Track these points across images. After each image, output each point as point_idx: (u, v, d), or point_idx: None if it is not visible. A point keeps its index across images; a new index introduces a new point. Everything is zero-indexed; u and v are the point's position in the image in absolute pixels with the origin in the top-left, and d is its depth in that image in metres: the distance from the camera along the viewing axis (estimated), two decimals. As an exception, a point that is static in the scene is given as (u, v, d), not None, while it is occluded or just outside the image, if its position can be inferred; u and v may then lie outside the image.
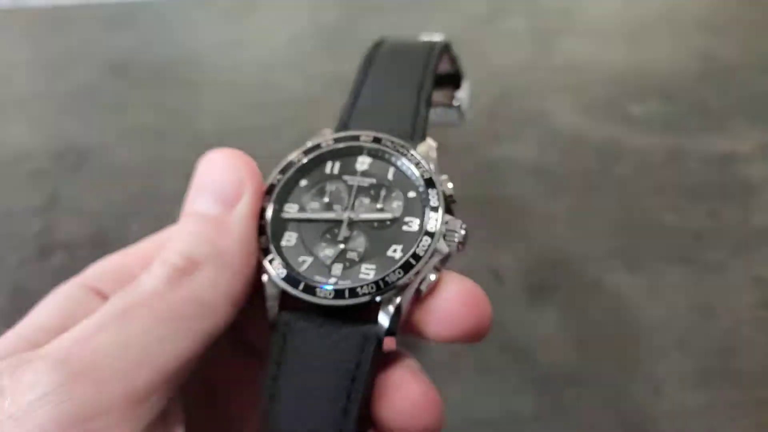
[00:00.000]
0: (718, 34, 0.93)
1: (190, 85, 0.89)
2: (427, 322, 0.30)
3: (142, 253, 0.33)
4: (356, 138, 0.33)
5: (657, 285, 0.60)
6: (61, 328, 0.26)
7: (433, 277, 0.29)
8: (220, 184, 0.30)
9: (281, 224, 0.32)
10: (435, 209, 0.31)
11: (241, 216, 0.30)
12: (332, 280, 0.30)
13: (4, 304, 0.64)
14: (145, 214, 0.72)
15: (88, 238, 0.70)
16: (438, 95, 0.48)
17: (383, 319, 0.29)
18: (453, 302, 0.30)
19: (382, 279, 0.29)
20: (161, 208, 0.61)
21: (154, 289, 0.26)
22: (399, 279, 0.29)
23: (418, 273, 0.29)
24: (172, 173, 0.75)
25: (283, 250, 0.31)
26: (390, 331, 0.29)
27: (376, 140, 0.33)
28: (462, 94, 0.50)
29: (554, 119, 0.80)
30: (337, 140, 0.33)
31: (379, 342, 0.29)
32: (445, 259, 0.30)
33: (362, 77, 0.37)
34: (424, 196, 0.31)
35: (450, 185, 0.32)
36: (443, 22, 0.93)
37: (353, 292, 0.29)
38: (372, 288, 0.29)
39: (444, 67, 0.45)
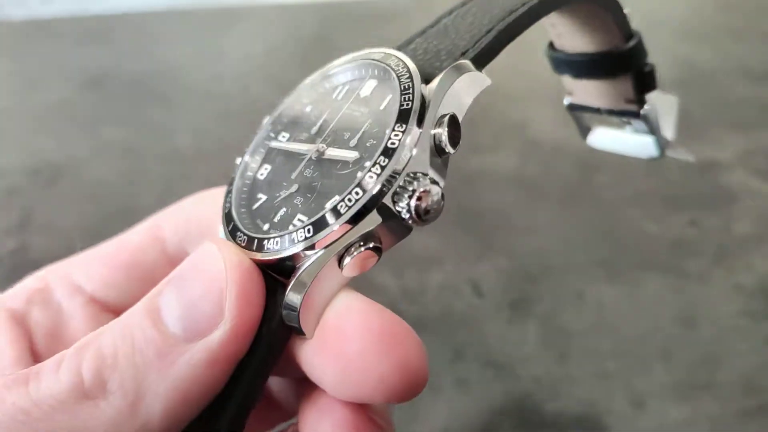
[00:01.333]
0: (696, 42, 0.94)
1: (167, 99, 0.88)
2: (323, 364, 0.22)
3: (63, 270, 0.30)
4: (368, 57, 0.27)
5: (638, 295, 0.59)
6: None
7: (364, 247, 0.22)
8: (196, 300, 0.22)
9: (268, 153, 0.29)
10: (388, 153, 0.23)
11: (198, 358, 0.21)
12: (266, 226, 0.25)
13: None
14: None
15: (63, 257, 0.68)
16: (606, 90, 0.34)
17: (290, 288, 0.23)
18: (361, 337, 0.21)
19: (289, 234, 0.23)
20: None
21: (50, 399, 0.21)
22: (307, 238, 0.23)
23: (328, 236, 0.22)
24: (148, 189, 0.74)
25: (256, 183, 0.28)
26: (289, 306, 0.22)
27: (383, 57, 0.27)
28: (655, 97, 0.32)
29: (534, 129, 0.80)
30: (349, 60, 0.28)
31: (280, 317, 0.23)
32: (392, 229, 0.23)
33: (458, 7, 0.30)
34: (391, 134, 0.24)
35: (445, 129, 0.23)
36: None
37: (260, 245, 0.24)
38: (276, 244, 0.23)
39: (611, 38, 0.32)
